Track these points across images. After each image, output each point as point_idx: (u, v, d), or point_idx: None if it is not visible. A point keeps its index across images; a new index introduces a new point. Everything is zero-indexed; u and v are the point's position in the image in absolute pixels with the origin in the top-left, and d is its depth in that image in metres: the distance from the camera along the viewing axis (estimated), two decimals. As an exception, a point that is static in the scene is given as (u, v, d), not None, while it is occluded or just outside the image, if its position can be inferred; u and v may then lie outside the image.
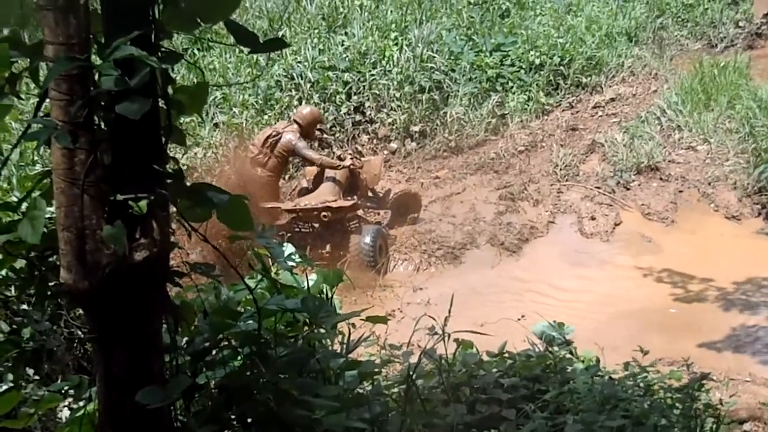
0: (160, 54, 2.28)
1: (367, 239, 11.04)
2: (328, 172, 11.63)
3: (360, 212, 11.82)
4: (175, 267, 2.59)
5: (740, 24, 21.25)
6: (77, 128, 2.18)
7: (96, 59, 2.23)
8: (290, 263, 3.20)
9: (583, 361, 5.14)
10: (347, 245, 11.13)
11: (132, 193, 2.23)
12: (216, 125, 12.80)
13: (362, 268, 10.83)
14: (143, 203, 2.22)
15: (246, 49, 2.46)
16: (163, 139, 2.36)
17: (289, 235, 10.99)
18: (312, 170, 11.95)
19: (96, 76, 2.22)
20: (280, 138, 11.48)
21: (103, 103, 2.24)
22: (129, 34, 2.16)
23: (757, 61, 18.06)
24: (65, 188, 2.20)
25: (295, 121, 11.75)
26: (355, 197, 11.71)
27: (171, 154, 2.45)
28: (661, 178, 13.04)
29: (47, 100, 2.24)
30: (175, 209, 2.43)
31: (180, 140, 2.50)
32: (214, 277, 2.82)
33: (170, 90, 2.38)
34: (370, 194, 12.29)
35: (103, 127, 2.27)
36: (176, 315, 2.60)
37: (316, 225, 11.26)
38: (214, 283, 3.12)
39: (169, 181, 2.36)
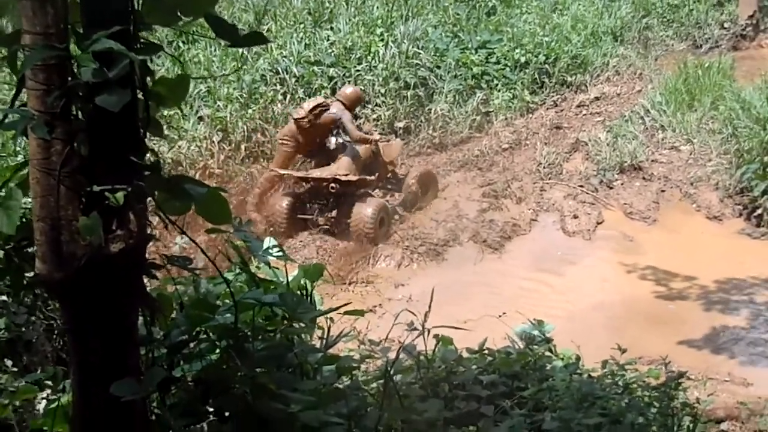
0: (139, 45, 2.27)
1: (369, 211, 11.53)
2: (349, 149, 12.05)
3: (377, 191, 12.44)
4: (153, 259, 2.58)
5: (725, 25, 21.37)
6: (54, 118, 2.17)
7: (75, 50, 2.22)
8: (269, 257, 3.19)
9: (562, 359, 5.14)
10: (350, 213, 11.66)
11: (109, 184, 2.21)
12: (200, 118, 12.74)
13: (360, 238, 11.46)
14: (120, 195, 2.20)
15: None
16: (142, 131, 2.35)
17: (307, 196, 12.08)
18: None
19: (74, 67, 2.20)
20: (327, 109, 12.05)
21: (81, 94, 2.22)
22: (108, 25, 2.15)
23: (741, 63, 18.17)
24: (41, 178, 2.18)
25: (339, 100, 12.28)
26: (373, 177, 12.22)
27: (150, 146, 2.44)
28: (643, 178, 13.09)
29: (24, 90, 2.23)
30: (152, 201, 2.42)
31: (158, 132, 2.49)
32: (191, 270, 2.81)
33: (150, 82, 2.37)
34: (389, 176, 12.77)
35: (80, 117, 2.26)
36: (153, 307, 2.58)
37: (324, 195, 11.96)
38: (193, 276, 3.11)
39: (146, 172, 2.35)
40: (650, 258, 11.18)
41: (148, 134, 2.40)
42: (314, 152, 12.36)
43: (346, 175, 11.76)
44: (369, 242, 11.51)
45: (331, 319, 3.81)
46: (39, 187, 2.19)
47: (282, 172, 12.13)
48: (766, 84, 14.85)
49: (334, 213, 11.90)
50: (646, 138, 14.15)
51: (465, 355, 4.64)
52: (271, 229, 11.66)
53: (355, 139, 12.07)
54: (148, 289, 2.74)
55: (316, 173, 12.04)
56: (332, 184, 11.74)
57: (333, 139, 12.19)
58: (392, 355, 3.83)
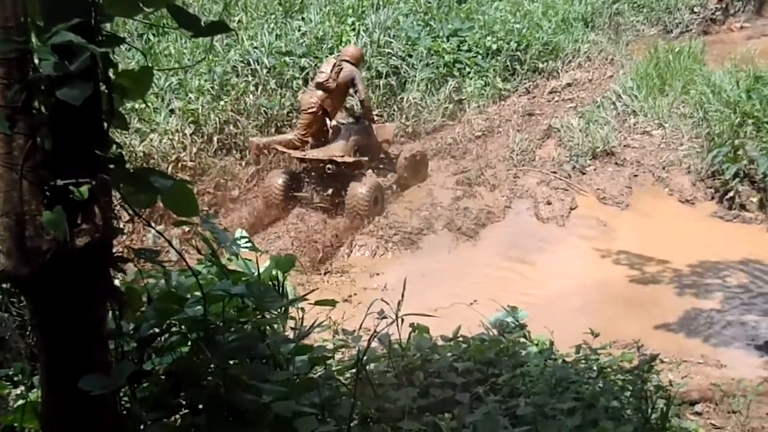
0: (100, 38, 2.25)
1: (363, 189, 11.87)
2: (344, 131, 12.50)
3: (370, 171, 12.53)
4: (121, 253, 2.56)
5: (695, 10, 21.53)
6: (15, 113, 2.15)
7: (36, 43, 2.20)
8: (238, 249, 3.18)
9: (536, 345, 5.16)
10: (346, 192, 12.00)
11: (73, 178, 2.19)
12: (172, 111, 12.65)
13: (355, 216, 11.82)
14: (84, 188, 2.19)
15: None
16: (105, 124, 2.33)
17: (303, 175, 12.41)
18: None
19: (35, 60, 2.18)
20: (342, 68, 12.34)
21: (42, 88, 2.20)
22: (68, 18, 2.13)
23: (711, 47, 18.28)
24: (3, 174, 2.16)
25: (346, 60, 12.50)
26: (366, 157, 12.47)
27: (115, 139, 2.42)
28: (616, 163, 13.15)
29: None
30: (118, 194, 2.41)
31: (122, 125, 2.47)
32: (158, 263, 2.79)
33: (113, 74, 2.35)
34: (382, 156, 13.11)
35: (42, 111, 2.24)
36: (121, 301, 2.57)
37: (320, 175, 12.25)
38: (164, 270, 3.10)
39: (111, 166, 2.33)
40: (624, 242, 11.24)
41: (112, 127, 2.38)
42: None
43: (342, 156, 12.04)
44: (363, 219, 11.82)
45: (303, 309, 3.82)
46: (2, 182, 2.17)
47: (281, 149, 12.42)
48: (735, 68, 14.94)
49: (329, 191, 12.16)
50: (618, 123, 14.22)
51: (440, 342, 4.66)
52: (266, 201, 12.10)
53: (362, 98, 12.54)
54: (118, 283, 2.73)
55: (314, 153, 12.27)
56: (329, 165, 11.99)
57: (329, 122, 12.57)
58: (365, 344, 3.83)
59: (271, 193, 12.13)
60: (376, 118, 13.13)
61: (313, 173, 12.36)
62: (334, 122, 12.63)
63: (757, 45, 17.96)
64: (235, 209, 12.05)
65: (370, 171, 12.46)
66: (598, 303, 9.88)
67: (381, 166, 13.04)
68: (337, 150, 12.21)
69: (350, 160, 12.09)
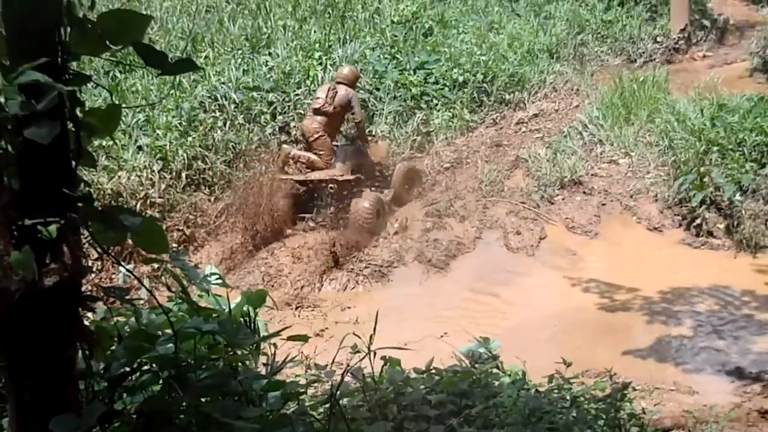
0: (67, 76, 2.25)
1: (366, 204, 12.45)
2: (340, 152, 13.16)
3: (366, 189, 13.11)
4: (90, 291, 2.55)
5: (658, 39, 21.79)
6: (-18, 153, 2.14)
7: (2, 83, 2.19)
8: (209, 285, 3.16)
9: (509, 375, 5.16)
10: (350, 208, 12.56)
11: (41, 217, 2.18)
12: (140, 148, 12.61)
13: (360, 230, 12.26)
14: (53, 227, 2.17)
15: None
16: (73, 163, 2.32)
17: (304, 195, 13.11)
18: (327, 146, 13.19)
19: (2, 99, 2.17)
20: (337, 92, 13.00)
21: (9, 127, 2.19)
22: (34, 57, 2.13)
23: (675, 76, 18.50)
24: (-29, 214, 2.15)
25: (341, 82, 13.20)
26: (362, 176, 13.12)
27: (83, 177, 2.41)
28: (584, 192, 13.22)
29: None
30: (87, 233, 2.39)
31: (90, 163, 2.46)
32: (128, 301, 2.78)
33: (80, 112, 2.34)
34: (377, 174, 13.74)
35: (10, 150, 2.23)
36: (90, 340, 2.55)
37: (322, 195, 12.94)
38: (134, 308, 3.08)
39: (79, 204, 2.32)
40: (593, 271, 11.29)
41: (80, 165, 2.37)
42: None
43: (342, 175, 12.73)
44: (368, 233, 12.29)
45: (275, 344, 3.80)
46: (-31, 223, 2.16)
47: (284, 177, 12.97)
48: (699, 96, 15.13)
49: (331, 210, 12.73)
50: (585, 153, 14.32)
51: (412, 375, 4.64)
52: (275, 225, 12.53)
53: (358, 121, 13.35)
54: (87, 322, 2.70)
55: (315, 176, 12.91)
56: (331, 185, 12.67)
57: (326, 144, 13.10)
58: (338, 379, 3.82)
59: (279, 216, 12.57)
60: (369, 138, 13.82)
61: (315, 194, 13.00)
62: (332, 144, 13.23)
63: (720, 73, 18.20)
64: (205, 244, 12.01)
65: (367, 189, 12.98)
66: (569, 331, 9.91)
67: (376, 184, 13.54)
68: (336, 170, 12.85)
69: (351, 177, 12.77)
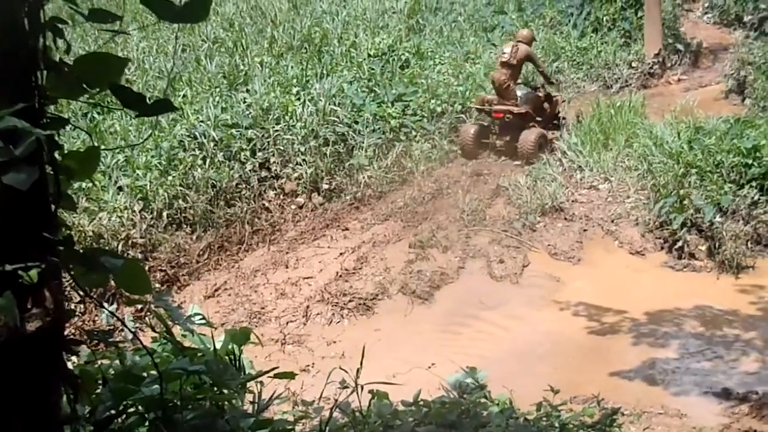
0: (45, 120, 2.25)
1: (532, 137, 15.51)
2: (521, 97, 16.06)
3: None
4: (73, 335, 2.53)
5: (633, 65, 22.04)
6: (-39, 199, 2.13)
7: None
8: (193, 325, 3.15)
9: (497, 404, 5.15)
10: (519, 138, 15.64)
11: (22, 262, 2.17)
12: (120, 188, 12.57)
13: (525, 156, 15.44)
14: (34, 272, 2.16)
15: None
16: (53, 206, 2.31)
17: (487, 126, 16.30)
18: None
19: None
20: (518, 48, 15.82)
21: (-13, 173, 2.18)
22: (11, 101, 2.12)
23: (651, 100, 18.70)
24: (-49, 261, 2.14)
25: (520, 41, 16.09)
26: (536, 114, 16.19)
27: (63, 220, 2.40)
28: (565, 218, 13.27)
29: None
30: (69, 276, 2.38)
31: (70, 206, 2.46)
32: (112, 344, 2.76)
33: (59, 156, 2.34)
34: (547, 115, 16.70)
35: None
36: (75, 385, 2.53)
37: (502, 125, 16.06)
38: (118, 350, 3.06)
39: (60, 248, 2.31)
40: (576, 297, 11.31)
41: (60, 209, 2.36)
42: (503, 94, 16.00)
43: (518, 108, 15.67)
44: (531, 159, 15.29)
45: (261, 382, 3.78)
46: (-51, 270, 2.14)
47: (475, 105, 16.43)
48: (676, 119, 15.27)
49: (507, 138, 15.86)
50: (564, 179, 14.39)
51: (400, 408, 4.62)
52: (461, 148, 16.05)
53: (540, 70, 16.59)
54: (71, 365, 2.68)
55: (497, 107, 15.84)
56: (507, 115, 15.65)
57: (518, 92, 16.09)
58: (327, 414, 3.80)
59: (466, 141, 15.92)
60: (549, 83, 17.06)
61: (496, 123, 16.03)
62: (519, 92, 16.08)
63: (696, 96, 18.41)
64: (188, 284, 11.97)
65: (535, 125, 15.94)
66: (555, 358, 9.92)
67: (551, 125, 16.64)
68: (514, 107, 15.74)
69: (523, 111, 15.67)
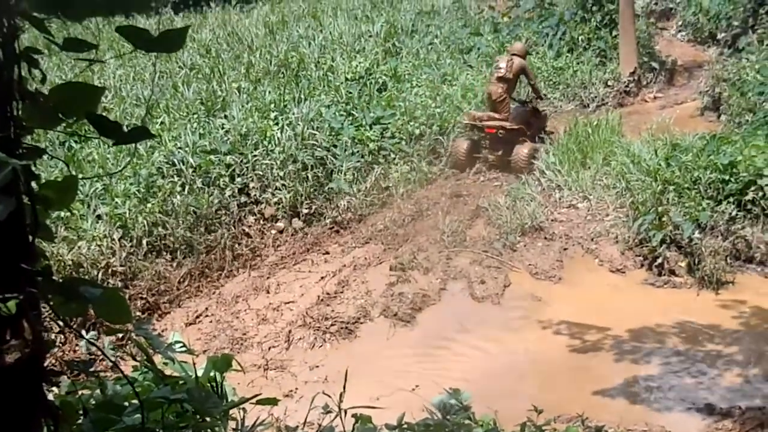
0: (21, 151, 2.24)
1: (524, 151, 15.89)
2: (513, 111, 16.63)
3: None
4: (53, 366, 2.51)
5: (609, 83, 22.23)
6: (-63, 232, 2.11)
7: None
8: (173, 352, 3.13)
9: (481, 426, 5.14)
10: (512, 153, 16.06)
11: None
12: (99, 217, 12.52)
13: (518, 169, 15.80)
14: (12, 303, 2.15)
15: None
16: (30, 237, 2.30)
17: (478, 141, 16.65)
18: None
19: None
20: (513, 62, 16.29)
21: (-37, 204, 2.17)
22: (-14, 134, 2.12)
23: (628, 118, 18.84)
24: (-72, 294, 2.12)
25: (515, 54, 16.52)
26: (526, 128, 16.48)
27: (41, 251, 2.39)
28: (545, 238, 13.30)
29: None
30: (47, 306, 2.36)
31: (48, 236, 2.44)
32: (92, 374, 2.74)
33: (36, 185, 2.33)
34: (539, 129, 17.20)
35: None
36: (55, 416, 2.50)
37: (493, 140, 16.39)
38: (98, 380, 3.04)
39: (38, 278, 2.30)
40: (558, 316, 11.31)
41: (37, 239, 2.35)
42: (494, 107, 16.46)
43: (510, 125, 16.07)
44: (522, 171, 15.64)
45: (244, 409, 3.76)
46: (-74, 303, 2.13)
47: (466, 121, 16.67)
48: (652, 137, 15.38)
49: (500, 152, 16.18)
50: (543, 198, 14.45)
51: (384, 431, 4.60)
52: (453, 162, 16.40)
53: (532, 83, 17.03)
54: (52, 397, 2.66)
55: (490, 122, 16.13)
56: (500, 131, 16.00)
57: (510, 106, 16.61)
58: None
59: (458, 155, 16.31)
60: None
61: (488, 139, 16.35)
62: (511, 105, 16.59)
63: (672, 113, 18.55)
64: (169, 311, 11.92)
65: (527, 140, 16.28)
66: (538, 378, 9.93)
67: (538, 138, 16.87)
68: (506, 121, 16.15)
69: (516, 127, 16.05)
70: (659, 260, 12.24)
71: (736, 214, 12.41)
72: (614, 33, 23.34)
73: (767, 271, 12.14)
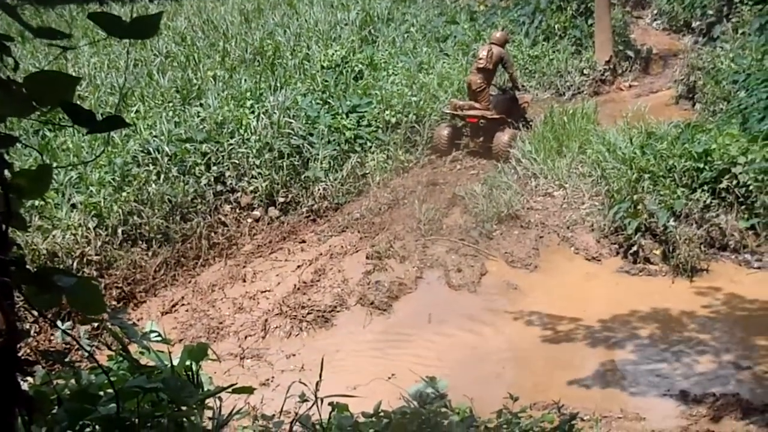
0: (-7, 139, 2.22)
1: (505, 138, 16.13)
2: (493, 100, 16.75)
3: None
4: (27, 355, 2.50)
5: (585, 72, 22.29)
6: None
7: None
8: (149, 342, 3.12)
9: (458, 413, 5.15)
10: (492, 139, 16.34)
11: (-28, 283, 2.14)
12: (73, 206, 12.43)
13: (499, 155, 16.04)
14: (-15, 293, 2.14)
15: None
16: (3, 226, 2.28)
17: (459, 128, 17.00)
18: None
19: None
20: (493, 51, 16.35)
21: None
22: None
23: (603, 106, 18.92)
24: None
25: (494, 43, 16.64)
26: (507, 116, 16.76)
27: (14, 240, 2.37)
28: (521, 226, 13.32)
29: None
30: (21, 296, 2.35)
31: (21, 226, 2.42)
32: (66, 364, 2.73)
33: (9, 174, 2.31)
34: (519, 116, 17.40)
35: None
36: (30, 406, 2.49)
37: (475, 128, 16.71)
38: (73, 369, 3.02)
39: (12, 268, 2.28)
40: (534, 304, 11.35)
41: (11, 228, 2.33)
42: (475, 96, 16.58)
43: (491, 114, 16.38)
44: (504, 157, 15.87)
45: (220, 397, 3.75)
46: None
47: (448, 111, 16.93)
48: (628, 125, 15.44)
49: (481, 139, 16.51)
50: (520, 187, 14.47)
51: (361, 420, 4.61)
52: (435, 149, 16.63)
53: (511, 72, 16.96)
54: (26, 386, 2.65)
55: (471, 112, 16.46)
56: (482, 120, 16.37)
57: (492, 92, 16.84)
58: (287, 429, 3.79)
59: (440, 141, 16.54)
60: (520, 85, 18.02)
61: (469, 127, 16.72)
62: (491, 93, 16.77)
63: (647, 102, 18.65)
64: (145, 300, 11.88)
65: (508, 127, 16.55)
66: (515, 365, 9.97)
67: (519, 123, 17.10)
68: (487, 111, 16.41)
69: (497, 116, 16.35)
70: (634, 248, 12.30)
71: (711, 202, 12.47)
72: (590, 21, 23.40)
73: (741, 258, 12.22)
